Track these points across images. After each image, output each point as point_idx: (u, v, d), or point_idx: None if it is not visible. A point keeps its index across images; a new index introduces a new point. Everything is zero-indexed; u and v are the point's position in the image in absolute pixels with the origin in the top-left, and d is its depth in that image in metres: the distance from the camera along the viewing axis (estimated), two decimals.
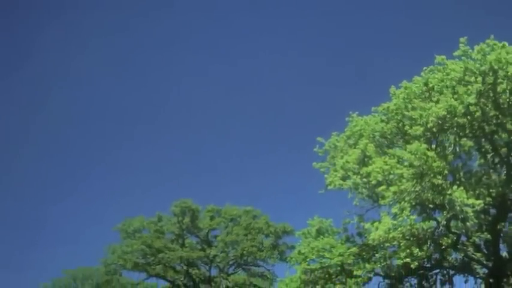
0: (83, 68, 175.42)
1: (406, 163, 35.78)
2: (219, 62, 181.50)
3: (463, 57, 36.89)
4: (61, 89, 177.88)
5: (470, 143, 40.12)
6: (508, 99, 36.36)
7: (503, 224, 40.76)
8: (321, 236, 41.92)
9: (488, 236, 39.91)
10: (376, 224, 36.18)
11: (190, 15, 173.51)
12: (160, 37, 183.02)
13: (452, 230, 39.79)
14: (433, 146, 37.58)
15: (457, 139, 38.70)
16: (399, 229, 35.59)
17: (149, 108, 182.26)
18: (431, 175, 35.41)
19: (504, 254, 41.42)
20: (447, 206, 35.73)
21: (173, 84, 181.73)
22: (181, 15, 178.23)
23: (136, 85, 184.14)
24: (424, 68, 39.18)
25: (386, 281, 43.00)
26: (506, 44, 35.88)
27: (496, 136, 38.81)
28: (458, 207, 34.46)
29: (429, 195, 36.23)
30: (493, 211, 40.42)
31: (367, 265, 39.44)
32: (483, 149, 40.06)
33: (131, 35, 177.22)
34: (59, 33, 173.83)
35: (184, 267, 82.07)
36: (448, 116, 36.27)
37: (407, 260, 36.90)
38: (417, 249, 37.23)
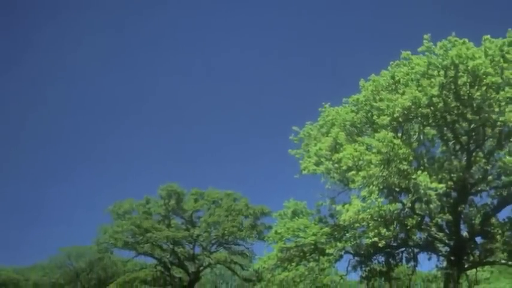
0: (77, 64, 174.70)
1: (374, 150, 35.71)
2: (203, 58, 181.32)
3: (426, 53, 36.86)
4: (56, 83, 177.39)
5: (433, 131, 40.22)
6: (468, 91, 36.37)
7: (463, 206, 40.91)
8: (296, 217, 41.82)
9: (450, 217, 39.95)
10: (346, 206, 36.09)
11: (177, 14, 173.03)
12: (148, 35, 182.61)
13: (417, 212, 39.78)
14: (399, 134, 37.56)
15: (421, 128, 38.82)
16: (368, 211, 35.51)
17: (138, 101, 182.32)
18: (398, 161, 35.45)
19: (464, 233, 41.55)
20: (412, 190, 35.78)
21: (160, 78, 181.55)
22: (169, 14, 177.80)
23: (126, 79, 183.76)
24: (391, 62, 39.30)
25: (356, 258, 43.00)
26: (467, 40, 35.92)
27: (457, 125, 38.88)
28: (422, 191, 34.49)
29: (395, 179, 36.27)
30: (454, 194, 40.46)
31: (338, 244, 39.33)
32: (445, 137, 40.14)
33: (122, 33, 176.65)
34: (54, 31, 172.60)
35: (170, 246, 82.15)
36: (413, 106, 36.30)
37: (376, 239, 36.85)
38: (384, 229, 37.19)
